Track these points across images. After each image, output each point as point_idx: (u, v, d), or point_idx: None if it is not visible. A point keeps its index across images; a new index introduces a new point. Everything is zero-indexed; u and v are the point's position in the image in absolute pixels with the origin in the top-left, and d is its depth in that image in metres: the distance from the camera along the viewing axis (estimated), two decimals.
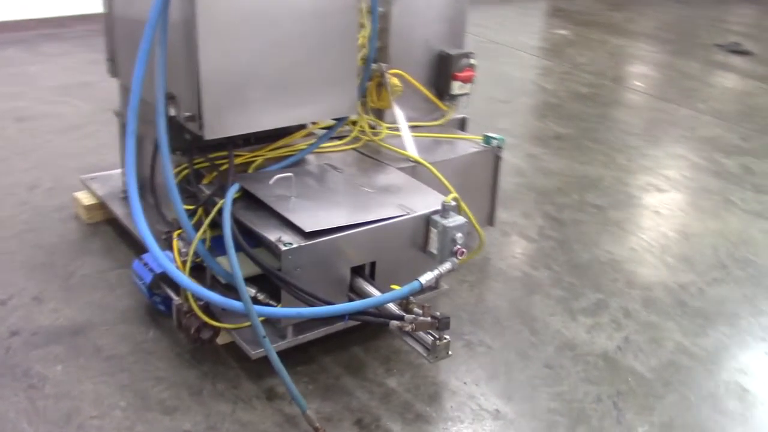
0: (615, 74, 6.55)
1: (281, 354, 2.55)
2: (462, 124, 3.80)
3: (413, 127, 3.41)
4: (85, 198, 3.63)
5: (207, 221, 2.68)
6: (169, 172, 2.71)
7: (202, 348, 2.76)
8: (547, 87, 6.10)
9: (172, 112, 2.87)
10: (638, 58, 7.26)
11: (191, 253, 2.67)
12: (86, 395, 2.55)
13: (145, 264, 2.94)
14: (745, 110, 5.82)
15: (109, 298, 3.07)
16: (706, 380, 2.80)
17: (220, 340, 2.75)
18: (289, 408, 2.55)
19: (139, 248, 3.30)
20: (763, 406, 2.69)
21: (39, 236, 3.46)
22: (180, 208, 2.72)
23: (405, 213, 2.75)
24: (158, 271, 2.87)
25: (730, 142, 5.12)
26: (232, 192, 2.73)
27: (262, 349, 2.58)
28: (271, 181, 2.76)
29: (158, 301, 2.92)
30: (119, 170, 3.78)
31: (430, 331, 2.46)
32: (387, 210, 2.76)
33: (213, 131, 2.79)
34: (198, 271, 2.78)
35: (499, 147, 3.46)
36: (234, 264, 2.48)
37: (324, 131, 3.26)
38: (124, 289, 3.12)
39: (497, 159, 3.49)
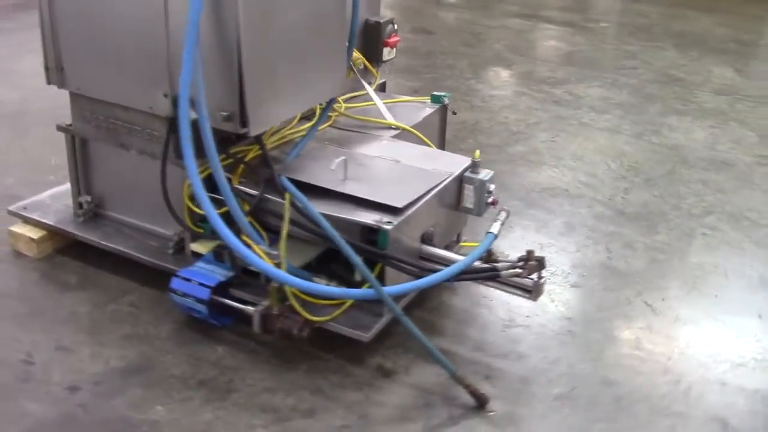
0: (410, 27, 6.98)
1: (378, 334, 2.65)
2: (383, 87, 3.96)
3: (355, 98, 3.53)
4: (29, 231, 3.16)
5: (286, 219, 2.59)
6: (222, 178, 2.56)
7: (284, 350, 2.70)
8: None
9: (193, 115, 2.67)
10: (417, 11, 7.77)
11: (283, 253, 2.57)
12: (215, 425, 2.38)
13: (189, 279, 2.73)
14: (531, 45, 6.65)
15: (142, 327, 2.80)
16: (681, 262, 3.41)
17: None
18: (410, 378, 2.63)
19: (126, 270, 3.03)
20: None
21: None
22: (241, 215, 2.60)
23: (448, 175, 2.91)
24: (213, 283, 2.70)
25: (544, 74, 5.86)
26: (290, 184, 2.67)
27: (373, 331, 2.63)
28: (333, 167, 2.74)
29: (211, 316, 2.74)
30: (49, 192, 3.36)
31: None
32: (433, 176, 2.89)
33: (257, 126, 2.67)
34: None
35: (448, 102, 3.70)
36: (353, 256, 2.48)
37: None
38: (149, 314, 2.86)
39: (445, 113, 3.73)
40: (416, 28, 6.97)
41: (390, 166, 2.96)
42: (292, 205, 2.61)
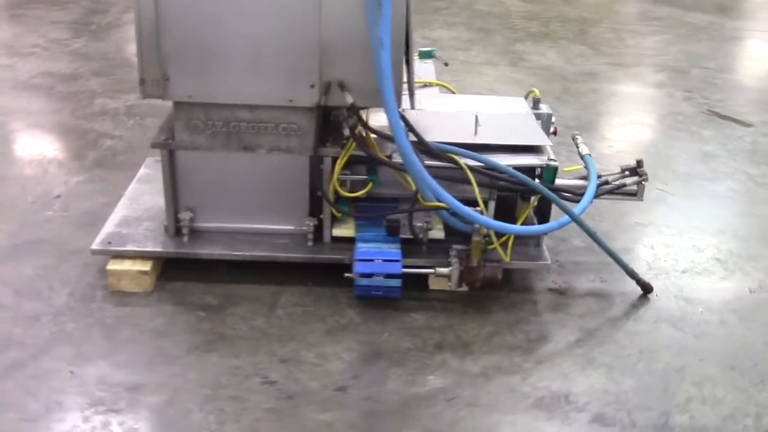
0: None
1: None
2: None
3: None
4: (132, 265, 2.85)
5: (473, 179, 2.77)
6: (413, 154, 2.66)
7: (467, 300, 2.92)
8: None
9: (349, 99, 2.70)
10: None
11: (483, 209, 2.77)
12: (489, 372, 2.58)
13: (371, 260, 2.79)
14: None
15: (331, 320, 2.80)
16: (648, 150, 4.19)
17: None
18: (579, 290, 3.04)
19: (250, 277, 2.97)
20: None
21: (141, 330, 2.70)
22: (433, 182, 2.73)
23: (529, 114, 3.28)
24: (399, 257, 2.81)
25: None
26: (449, 146, 2.86)
27: (549, 258, 2.98)
28: (478, 124, 2.95)
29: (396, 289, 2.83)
30: (112, 222, 3.08)
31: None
32: (524, 117, 3.23)
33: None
34: None
35: (436, 54, 4.00)
36: (549, 193, 2.81)
37: None
38: (322, 308, 2.85)
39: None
40: None
41: (480, 117, 3.23)
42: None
